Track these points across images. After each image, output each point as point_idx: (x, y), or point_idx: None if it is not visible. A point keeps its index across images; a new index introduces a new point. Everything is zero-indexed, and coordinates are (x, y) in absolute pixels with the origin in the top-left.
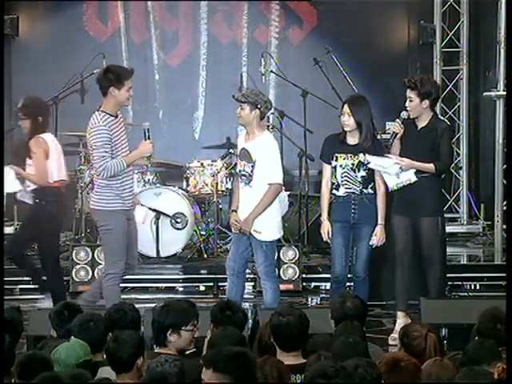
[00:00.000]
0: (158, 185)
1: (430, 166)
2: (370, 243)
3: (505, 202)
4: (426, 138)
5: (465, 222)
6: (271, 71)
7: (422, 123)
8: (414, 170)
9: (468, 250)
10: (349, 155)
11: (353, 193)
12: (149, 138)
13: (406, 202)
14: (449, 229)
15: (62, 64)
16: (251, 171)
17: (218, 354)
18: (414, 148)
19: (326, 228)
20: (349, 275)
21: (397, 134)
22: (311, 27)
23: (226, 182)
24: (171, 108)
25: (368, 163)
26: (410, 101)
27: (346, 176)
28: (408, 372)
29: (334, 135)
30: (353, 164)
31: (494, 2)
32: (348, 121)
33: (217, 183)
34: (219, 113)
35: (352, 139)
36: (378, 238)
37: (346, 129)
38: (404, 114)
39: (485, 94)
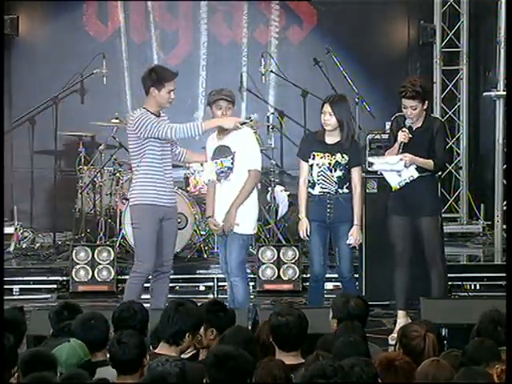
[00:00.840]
0: None
1: (430, 162)
2: (347, 243)
3: (505, 202)
4: (422, 138)
5: (465, 222)
6: (271, 71)
7: (417, 124)
8: (415, 166)
9: (468, 250)
10: (326, 154)
11: (328, 192)
12: (243, 123)
13: (403, 202)
14: (449, 229)
15: (62, 64)
16: (231, 163)
17: (210, 355)
18: (412, 149)
19: (304, 225)
20: (335, 275)
21: (405, 143)
22: (311, 27)
23: None
24: (171, 108)
25: (371, 165)
26: (414, 109)
27: (322, 175)
28: (403, 371)
29: (312, 133)
30: (330, 163)
31: (494, 2)
32: (330, 120)
33: None
34: None
35: (331, 138)
36: (354, 238)
37: (327, 128)
38: (409, 122)
39: (485, 93)
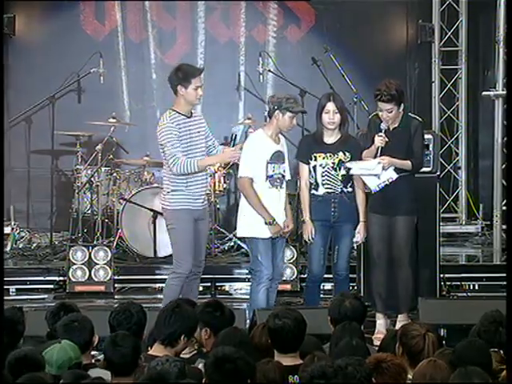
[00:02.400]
0: (155, 184)
1: (408, 163)
2: (354, 240)
3: (504, 202)
4: (400, 138)
5: (463, 222)
6: (269, 70)
7: (394, 124)
8: (394, 168)
9: (467, 250)
10: (328, 154)
11: (333, 192)
12: (233, 146)
13: (382, 201)
14: (448, 229)
15: (58, 63)
16: (284, 171)
17: (209, 356)
18: (390, 149)
19: (309, 228)
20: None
21: (382, 147)
22: (309, 26)
23: (224, 182)
24: (168, 107)
25: (350, 169)
26: (390, 112)
27: (326, 175)
28: (390, 373)
29: (309, 135)
30: (333, 163)
31: (493, 1)
32: (335, 118)
33: (214, 183)
34: (217, 112)
35: (330, 138)
36: (361, 235)
37: (331, 127)
38: (384, 126)
39: (484, 93)
